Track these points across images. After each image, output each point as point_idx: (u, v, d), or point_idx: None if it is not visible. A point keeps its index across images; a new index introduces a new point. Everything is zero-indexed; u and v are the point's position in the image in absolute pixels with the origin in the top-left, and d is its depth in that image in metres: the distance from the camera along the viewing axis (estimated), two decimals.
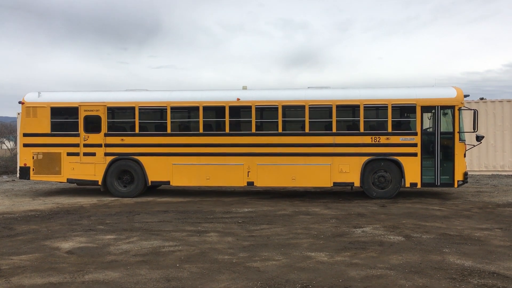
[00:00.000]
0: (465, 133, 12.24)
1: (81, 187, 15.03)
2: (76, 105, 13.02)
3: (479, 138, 12.17)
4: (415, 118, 12.06)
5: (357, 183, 12.29)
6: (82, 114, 12.98)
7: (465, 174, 12.00)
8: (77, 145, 12.95)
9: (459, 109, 11.95)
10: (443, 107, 12.04)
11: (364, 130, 12.17)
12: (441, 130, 12.00)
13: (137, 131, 12.85)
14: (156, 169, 12.78)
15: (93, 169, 12.92)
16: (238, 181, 12.61)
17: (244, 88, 13.27)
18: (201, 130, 12.68)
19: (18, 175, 14.38)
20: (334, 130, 12.24)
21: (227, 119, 12.56)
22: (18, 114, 18.40)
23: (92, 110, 12.99)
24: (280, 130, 12.43)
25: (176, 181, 12.80)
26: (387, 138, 12.09)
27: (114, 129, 13.03)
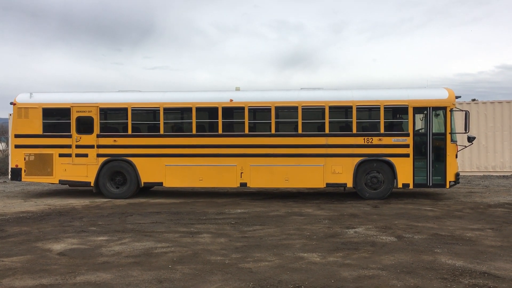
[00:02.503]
0: (456, 134, 12.31)
1: (73, 189, 14.95)
2: (68, 106, 12.96)
3: (470, 139, 12.26)
4: (407, 119, 12.13)
5: (349, 184, 12.32)
6: (74, 115, 12.92)
7: (457, 174, 12.08)
8: (69, 146, 12.89)
9: (451, 110, 12.02)
10: (435, 108, 12.11)
11: (356, 131, 12.21)
12: (433, 131, 12.07)
13: (129, 132, 12.81)
14: (149, 170, 12.74)
15: (85, 170, 12.86)
16: (231, 182, 12.60)
17: (237, 89, 13.27)
18: (194, 131, 12.66)
19: (9, 176, 14.28)
20: (327, 131, 12.28)
21: (220, 120, 12.55)
22: (10, 115, 18.28)
23: (84, 111, 12.93)
24: (273, 131, 12.44)
25: (169, 182, 12.77)
26: (380, 139, 12.14)
27: (107, 130, 12.98)
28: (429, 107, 12.07)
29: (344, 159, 12.24)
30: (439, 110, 12.14)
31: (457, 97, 12.25)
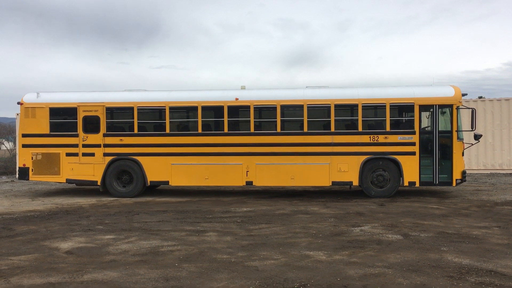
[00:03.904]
0: (463, 132, 12.26)
1: (80, 188, 15.03)
2: (75, 106, 13.04)
3: (477, 137, 12.19)
4: (413, 117, 12.09)
5: (355, 182, 12.31)
6: (81, 115, 13.00)
7: (463, 172, 12.03)
8: (76, 146, 12.96)
9: (457, 108, 11.97)
10: (441, 106, 12.07)
11: (362, 129, 12.19)
12: (439, 129, 12.02)
13: (136, 131, 12.86)
14: (155, 169, 12.79)
15: (92, 169, 12.93)
16: (237, 180, 12.63)
17: (243, 88, 13.28)
18: (199, 130, 12.69)
19: (17, 175, 14.39)
20: (332, 129, 12.27)
21: (225, 119, 12.58)
22: (17, 114, 18.40)
23: (91, 111, 13.00)
24: (278, 129, 12.44)
25: (175, 181, 12.81)
26: (386, 137, 12.11)
27: (113, 129, 13.04)
28: (435, 105, 12.02)
29: (350, 157, 12.23)
30: (445, 108, 12.09)
31: (463, 95, 12.20)
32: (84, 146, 12.95)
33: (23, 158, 13.22)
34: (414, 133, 12.04)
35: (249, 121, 12.55)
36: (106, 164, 12.87)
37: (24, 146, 13.24)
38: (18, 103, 13.40)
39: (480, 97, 18.73)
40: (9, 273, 5.86)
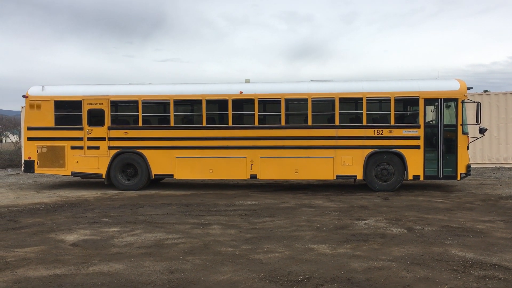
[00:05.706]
0: (468, 126, 12.21)
1: (85, 180, 15.10)
2: (80, 99, 13.07)
3: (482, 131, 12.15)
4: (418, 110, 12.05)
5: (360, 176, 12.31)
6: (85, 108, 13.03)
7: (468, 166, 12.00)
8: (80, 139, 13.01)
9: (462, 102, 11.93)
10: (446, 100, 12.02)
11: (367, 123, 12.17)
12: (444, 123, 11.99)
13: (140, 124, 12.89)
14: (160, 162, 12.83)
15: (97, 162, 12.98)
16: (241, 174, 12.65)
17: (247, 81, 13.27)
18: (204, 123, 12.70)
19: (22, 168, 14.47)
20: (337, 123, 12.25)
21: (230, 112, 12.58)
22: (22, 107, 18.47)
23: (95, 104, 13.04)
24: (283, 123, 12.44)
25: (180, 174, 12.85)
26: (390, 131, 12.09)
27: (118, 122, 13.08)
28: (440, 99, 11.98)
29: (354, 151, 12.22)
30: (451, 102, 12.04)
31: (468, 88, 12.14)
32: (89, 139, 13.00)
33: (29, 151, 13.29)
34: (418, 126, 12.01)
35: (253, 115, 12.55)
36: (111, 157, 12.92)
37: (29, 139, 13.30)
38: (23, 96, 13.45)
39: (486, 91, 18.64)
40: (15, 265, 5.92)
